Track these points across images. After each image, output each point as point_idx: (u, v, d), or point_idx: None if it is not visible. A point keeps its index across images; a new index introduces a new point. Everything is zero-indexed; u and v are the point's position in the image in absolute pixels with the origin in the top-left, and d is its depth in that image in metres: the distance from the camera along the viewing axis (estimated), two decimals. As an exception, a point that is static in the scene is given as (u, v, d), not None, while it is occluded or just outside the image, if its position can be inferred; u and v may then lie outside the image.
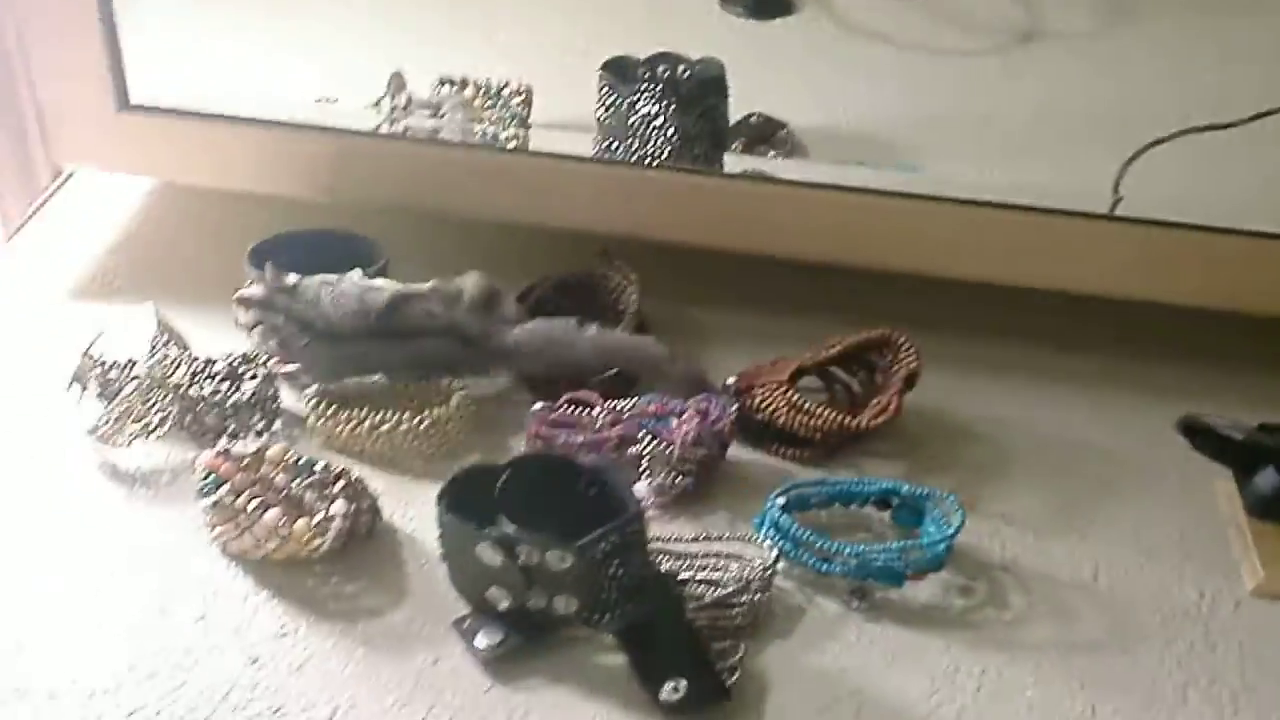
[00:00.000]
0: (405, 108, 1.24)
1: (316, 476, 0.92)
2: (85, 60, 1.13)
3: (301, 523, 0.88)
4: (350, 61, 1.33)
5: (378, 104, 1.24)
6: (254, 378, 1.00)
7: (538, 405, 1.02)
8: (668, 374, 1.06)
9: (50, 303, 1.20)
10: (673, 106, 1.22)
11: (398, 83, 1.23)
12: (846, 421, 1.02)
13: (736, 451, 1.04)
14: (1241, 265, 1.11)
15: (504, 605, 0.86)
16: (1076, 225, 1.12)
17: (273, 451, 0.92)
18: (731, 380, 1.06)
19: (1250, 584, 0.96)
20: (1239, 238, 1.10)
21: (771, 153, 1.26)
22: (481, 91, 1.25)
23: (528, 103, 1.26)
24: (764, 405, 1.03)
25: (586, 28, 1.34)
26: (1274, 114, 1.14)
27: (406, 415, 1.00)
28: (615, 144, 1.24)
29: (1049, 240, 1.13)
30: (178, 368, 1.01)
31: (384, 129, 1.24)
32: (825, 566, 0.92)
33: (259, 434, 1.00)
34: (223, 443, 0.96)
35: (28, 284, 1.23)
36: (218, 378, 1.01)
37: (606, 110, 1.24)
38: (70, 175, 1.24)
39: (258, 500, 0.89)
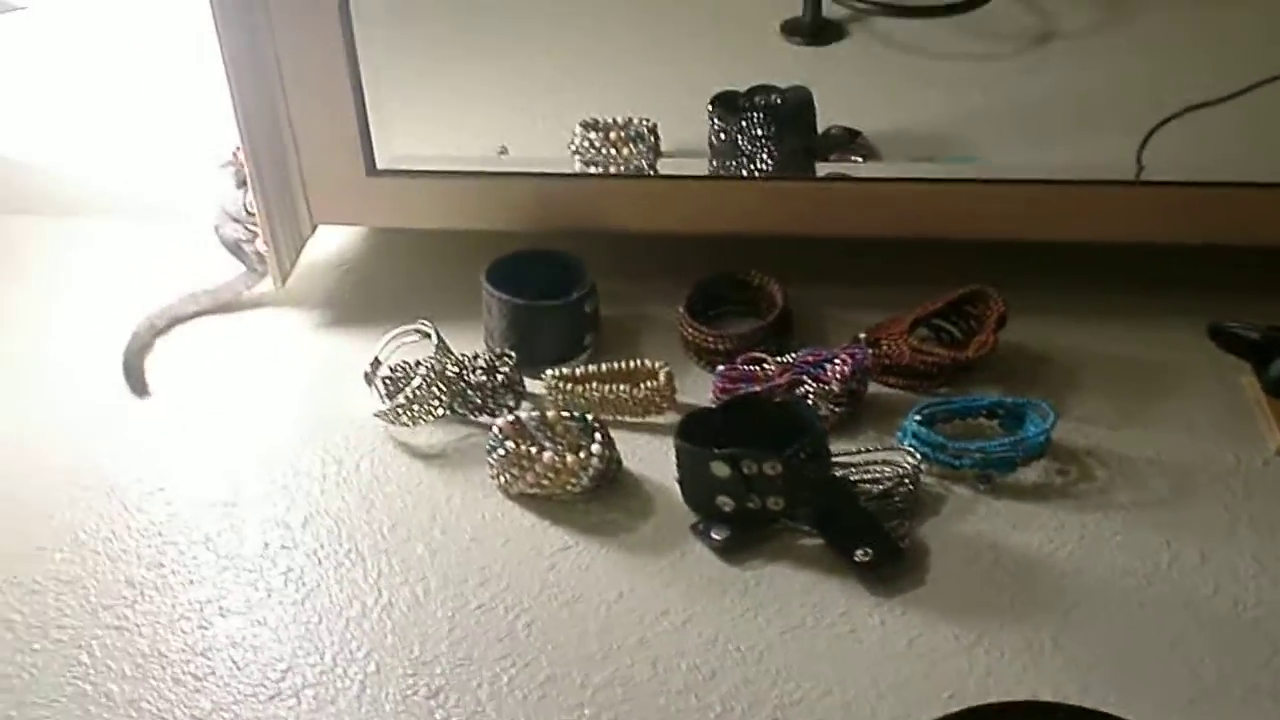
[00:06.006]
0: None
1: (580, 426, 1.22)
2: (341, 134, 1.34)
3: (571, 456, 1.18)
4: (509, 111, 1.56)
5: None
6: (505, 367, 1.29)
7: (720, 367, 1.31)
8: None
9: (323, 328, 1.46)
10: (773, 128, 1.48)
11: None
12: (957, 356, 1.31)
13: (873, 389, 1.32)
14: (1237, 210, 1.35)
15: (729, 508, 1.16)
16: (1112, 191, 1.37)
17: (551, 414, 1.22)
18: (863, 335, 1.34)
19: (1273, 446, 1.25)
20: (1239, 189, 1.35)
21: (853, 157, 1.51)
22: (619, 130, 1.53)
23: (656, 135, 1.54)
24: (891, 351, 1.31)
25: (673, 70, 1.58)
26: (1262, 85, 1.39)
27: (625, 387, 1.28)
28: (729, 163, 1.49)
29: (1090, 205, 1.37)
30: (450, 364, 1.28)
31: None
32: (957, 463, 1.21)
33: (510, 410, 1.29)
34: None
35: (306, 316, 1.48)
36: (479, 370, 1.28)
37: (718, 136, 1.51)
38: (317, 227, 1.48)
39: (536, 447, 1.19)
